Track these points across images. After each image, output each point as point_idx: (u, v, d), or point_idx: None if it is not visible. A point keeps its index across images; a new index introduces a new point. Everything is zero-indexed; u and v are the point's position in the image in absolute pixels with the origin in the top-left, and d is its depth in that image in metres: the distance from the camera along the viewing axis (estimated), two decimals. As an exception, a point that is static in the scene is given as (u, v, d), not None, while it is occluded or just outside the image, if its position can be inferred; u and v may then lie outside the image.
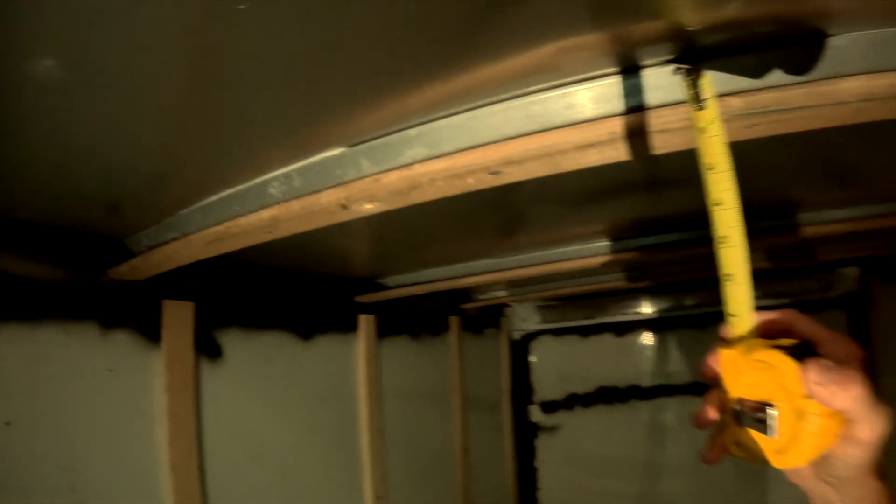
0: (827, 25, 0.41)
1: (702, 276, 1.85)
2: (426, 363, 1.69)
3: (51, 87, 0.38)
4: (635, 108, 0.46)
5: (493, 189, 0.52)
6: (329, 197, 0.53)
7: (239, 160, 0.54)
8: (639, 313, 2.39)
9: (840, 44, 0.42)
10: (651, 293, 2.32)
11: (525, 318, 2.41)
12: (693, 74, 0.43)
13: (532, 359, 2.47)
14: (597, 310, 2.41)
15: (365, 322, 1.34)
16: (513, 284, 1.70)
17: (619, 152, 0.48)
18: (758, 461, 0.45)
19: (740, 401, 0.45)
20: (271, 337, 1.11)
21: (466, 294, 1.80)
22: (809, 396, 0.41)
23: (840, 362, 0.43)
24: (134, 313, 0.85)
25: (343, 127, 0.49)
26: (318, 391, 1.23)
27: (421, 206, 0.56)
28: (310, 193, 0.54)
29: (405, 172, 0.51)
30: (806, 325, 0.47)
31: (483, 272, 1.21)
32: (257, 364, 1.07)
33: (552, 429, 2.44)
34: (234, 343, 1.02)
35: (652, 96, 0.45)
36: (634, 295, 2.34)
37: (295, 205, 0.55)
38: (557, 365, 2.45)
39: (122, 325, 0.84)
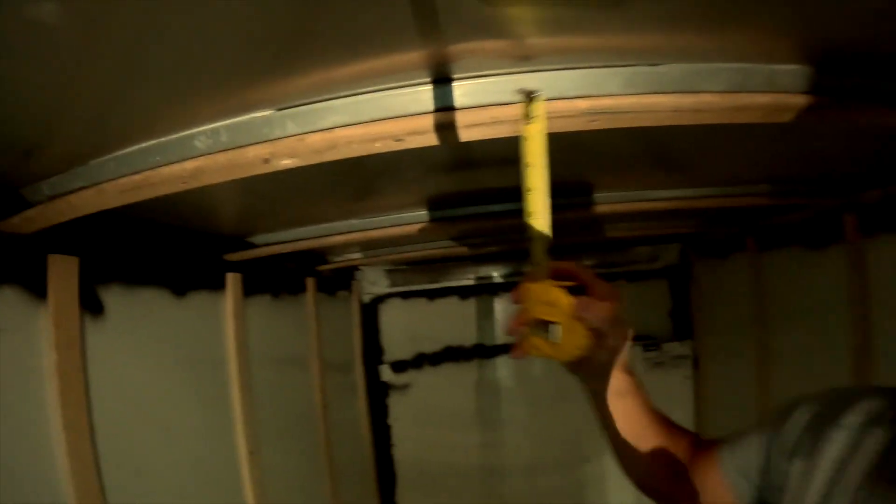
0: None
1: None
2: (287, 322, 1.77)
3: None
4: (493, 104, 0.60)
5: (355, 159, 0.65)
6: (254, 152, 0.61)
7: (166, 112, 0.60)
8: (482, 278, 2.58)
9: (663, 70, 0.59)
10: (494, 259, 2.51)
11: (374, 282, 2.52)
12: (532, 96, 0.58)
13: (382, 321, 2.57)
14: (442, 274, 2.57)
15: (232, 280, 1.39)
16: (367, 246, 1.81)
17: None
18: (546, 357, 0.67)
19: (535, 319, 0.65)
20: (149, 293, 1.13)
21: (322, 256, 1.88)
22: (576, 318, 0.63)
23: (600, 297, 0.66)
24: (20, 269, 0.85)
25: (271, 91, 0.58)
26: (193, 348, 1.27)
27: (293, 170, 0.67)
28: (236, 148, 0.61)
29: (327, 135, 0.61)
30: (582, 273, 0.69)
31: (346, 231, 1.31)
32: (137, 320, 1.09)
33: (403, 387, 2.58)
34: (115, 299, 1.03)
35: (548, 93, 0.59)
36: (478, 261, 2.52)
37: (220, 157, 0.62)
38: (406, 326, 2.58)
39: (8, 282, 0.83)
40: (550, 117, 0.58)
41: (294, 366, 1.81)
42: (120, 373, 1.03)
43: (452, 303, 2.59)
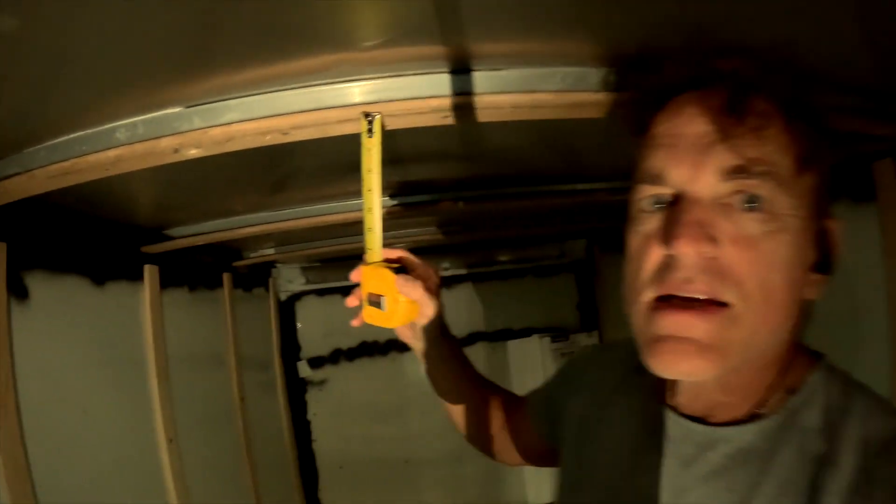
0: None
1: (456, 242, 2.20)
2: (203, 316, 1.85)
3: None
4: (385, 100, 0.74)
5: (269, 150, 0.78)
6: (166, 143, 0.74)
7: (91, 108, 0.72)
8: None
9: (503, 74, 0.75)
10: None
11: (290, 280, 2.58)
12: (370, 117, 0.72)
13: (299, 317, 2.63)
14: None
15: (149, 272, 1.47)
16: (282, 242, 1.91)
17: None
18: (380, 325, 0.81)
19: (369, 294, 0.80)
20: (70, 281, 1.22)
21: (237, 251, 1.98)
22: (400, 292, 0.78)
23: (417, 276, 0.81)
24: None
25: (180, 92, 0.71)
26: (112, 335, 1.35)
27: (208, 161, 0.80)
28: (151, 139, 0.74)
29: (225, 129, 0.74)
30: (405, 257, 0.84)
31: (258, 224, 1.42)
32: (58, 306, 1.17)
33: (321, 383, 2.63)
34: (39, 285, 1.11)
35: (396, 94, 0.73)
36: None
37: (138, 147, 0.75)
38: (322, 323, 2.63)
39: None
40: (408, 114, 0.74)
41: (211, 359, 1.88)
42: (43, 355, 1.11)
43: (365, 299, 2.65)
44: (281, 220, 1.40)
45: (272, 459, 2.25)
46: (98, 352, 1.29)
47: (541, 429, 0.91)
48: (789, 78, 0.55)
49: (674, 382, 0.63)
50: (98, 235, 1.30)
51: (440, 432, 2.63)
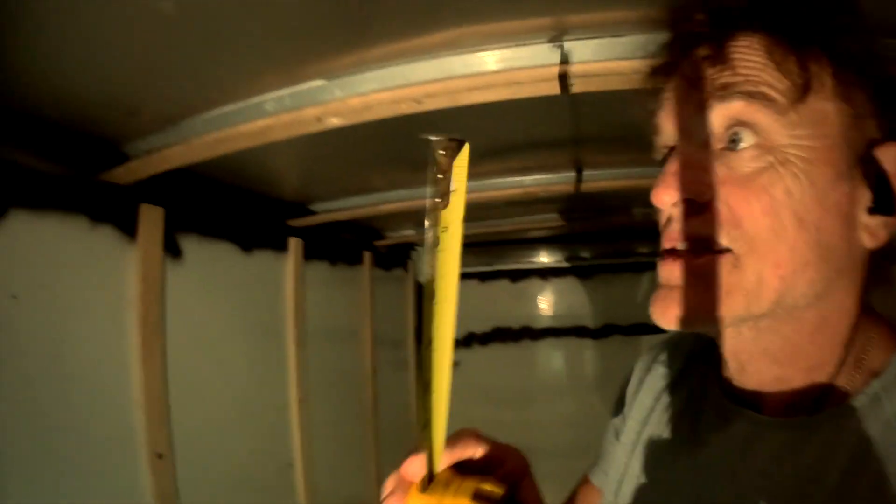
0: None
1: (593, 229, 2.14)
2: (342, 290, 1.91)
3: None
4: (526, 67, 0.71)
5: (407, 123, 0.77)
6: (310, 112, 0.76)
7: (242, 82, 0.76)
8: (532, 262, 2.63)
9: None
10: (545, 243, 2.56)
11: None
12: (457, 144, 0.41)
13: (436, 301, 2.66)
14: (495, 257, 2.63)
15: (294, 244, 1.55)
16: (421, 222, 1.91)
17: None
18: None
19: None
20: (220, 246, 1.30)
21: (378, 231, 2.02)
22: None
23: (505, 473, 0.51)
24: (117, 212, 1.03)
25: (323, 67, 0.73)
26: (255, 298, 1.43)
27: (349, 133, 0.81)
28: (296, 109, 0.77)
29: (363, 98, 0.75)
30: (475, 445, 0.51)
31: (398, 200, 1.43)
32: (208, 267, 1.26)
33: (453, 365, 2.68)
34: (192, 247, 1.20)
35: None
36: (530, 245, 2.58)
37: (284, 117, 0.78)
38: (458, 306, 2.65)
39: (107, 221, 1.01)
40: (535, 81, 0.71)
41: (347, 332, 1.96)
42: (191, 310, 1.20)
43: (503, 285, 2.65)
44: (420, 198, 1.41)
45: (396, 433, 2.29)
46: (241, 312, 1.37)
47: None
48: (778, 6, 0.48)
49: (724, 359, 0.55)
50: (247, 207, 1.37)
51: (564, 424, 2.62)
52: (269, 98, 0.77)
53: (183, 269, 1.18)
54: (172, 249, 1.15)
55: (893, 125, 0.47)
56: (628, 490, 0.60)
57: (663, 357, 0.68)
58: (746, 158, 0.46)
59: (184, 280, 1.17)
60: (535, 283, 2.65)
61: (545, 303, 2.65)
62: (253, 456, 1.40)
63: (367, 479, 1.99)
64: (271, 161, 1.09)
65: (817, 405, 0.48)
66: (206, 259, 1.25)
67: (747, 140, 0.46)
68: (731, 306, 0.47)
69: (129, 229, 1.04)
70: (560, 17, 0.65)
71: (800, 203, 0.45)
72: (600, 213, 1.80)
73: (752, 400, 0.52)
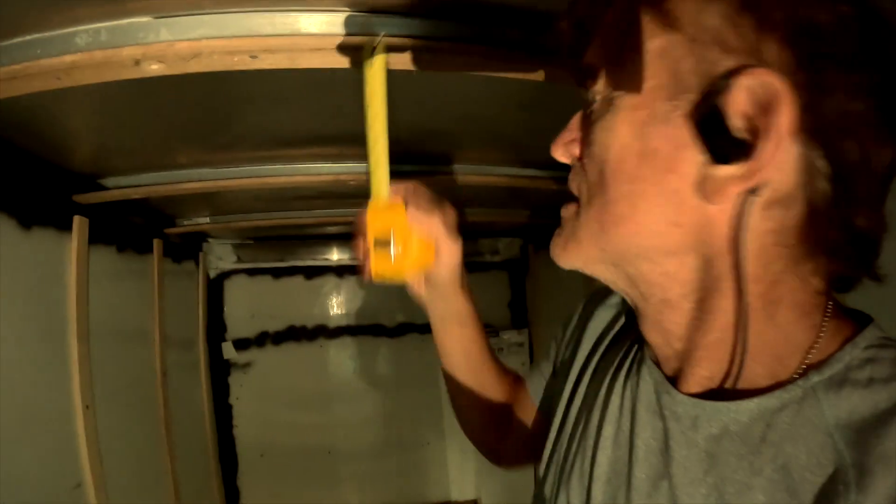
0: None
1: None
2: (129, 280, 1.76)
3: None
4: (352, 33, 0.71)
5: (229, 90, 0.76)
6: (128, 52, 0.70)
7: (52, 8, 0.66)
8: (328, 259, 2.63)
9: None
10: (341, 240, 2.55)
11: (221, 257, 2.51)
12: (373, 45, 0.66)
13: (226, 297, 2.56)
14: (289, 253, 2.59)
15: (79, 223, 1.39)
16: (218, 210, 1.85)
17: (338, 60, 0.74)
18: (389, 280, 0.70)
19: (375, 239, 0.67)
20: (-3, 218, 1.13)
21: (171, 218, 1.90)
22: (413, 230, 0.67)
23: (430, 210, 0.68)
24: None
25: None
26: (34, 285, 1.27)
27: (160, 94, 0.78)
28: (112, 47, 0.69)
29: (193, 44, 0.70)
30: (419, 192, 0.69)
31: (200, 180, 1.36)
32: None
33: (245, 366, 2.57)
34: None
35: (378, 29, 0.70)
36: (325, 241, 2.57)
37: (97, 55, 0.69)
38: (250, 304, 2.57)
39: None
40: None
41: (134, 327, 1.80)
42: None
43: (298, 282, 2.63)
44: (224, 179, 1.35)
45: (191, 442, 2.16)
46: (17, 301, 1.20)
47: (539, 394, 0.81)
48: None
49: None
50: (30, 174, 1.22)
51: (364, 424, 2.65)
52: (82, 30, 0.69)
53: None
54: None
55: (755, 47, 0.40)
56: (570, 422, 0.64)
57: (614, 300, 0.71)
58: (593, 112, 0.49)
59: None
60: (330, 280, 2.65)
61: (341, 301, 2.66)
62: (36, 477, 1.23)
63: (166, 495, 1.84)
64: (65, 118, 0.98)
65: (735, 388, 0.46)
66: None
67: (593, 95, 0.49)
68: (580, 251, 0.51)
69: None
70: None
71: (629, 150, 0.45)
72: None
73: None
